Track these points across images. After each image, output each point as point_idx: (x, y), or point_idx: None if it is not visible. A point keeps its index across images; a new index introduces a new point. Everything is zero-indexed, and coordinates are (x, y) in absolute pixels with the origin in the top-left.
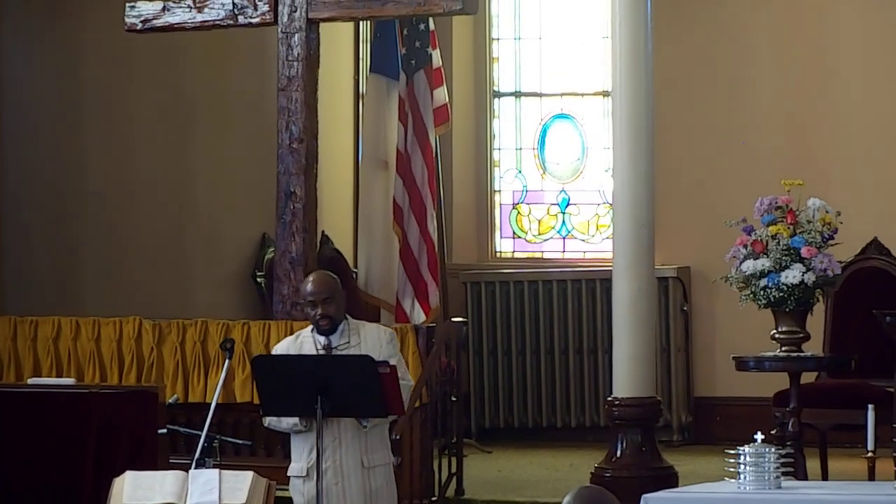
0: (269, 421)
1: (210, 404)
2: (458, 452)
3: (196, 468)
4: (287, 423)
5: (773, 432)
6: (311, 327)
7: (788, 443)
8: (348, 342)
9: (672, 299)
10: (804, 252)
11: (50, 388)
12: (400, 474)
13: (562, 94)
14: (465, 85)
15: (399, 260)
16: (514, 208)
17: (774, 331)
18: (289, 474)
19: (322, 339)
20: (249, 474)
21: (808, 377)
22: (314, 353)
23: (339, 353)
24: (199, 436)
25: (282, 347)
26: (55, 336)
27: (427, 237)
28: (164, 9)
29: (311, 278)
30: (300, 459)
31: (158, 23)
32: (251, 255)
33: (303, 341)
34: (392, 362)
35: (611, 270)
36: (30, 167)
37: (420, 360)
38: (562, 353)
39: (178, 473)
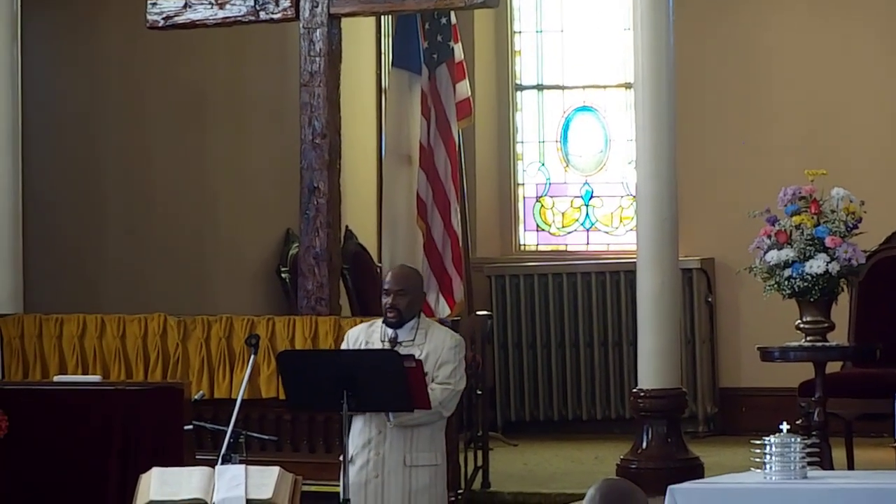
0: None
1: (236, 400)
2: (483, 446)
3: (222, 464)
4: None
5: (798, 422)
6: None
7: (814, 433)
8: (413, 340)
9: (696, 291)
10: (828, 242)
11: (76, 386)
12: None
13: (584, 87)
14: (488, 78)
15: (423, 254)
16: (537, 201)
17: (799, 321)
18: (340, 458)
19: (390, 331)
20: (276, 469)
21: (833, 367)
22: (379, 344)
23: (402, 348)
24: (225, 432)
25: (354, 333)
26: (80, 334)
27: (451, 231)
28: (185, 5)
29: (393, 269)
30: (352, 444)
31: (180, 19)
32: (275, 250)
33: (374, 330)
34: (448, 366)
35: (635, 262)
36: (52, 166)
37: None
38: (586, 345)
39: (205, 469)
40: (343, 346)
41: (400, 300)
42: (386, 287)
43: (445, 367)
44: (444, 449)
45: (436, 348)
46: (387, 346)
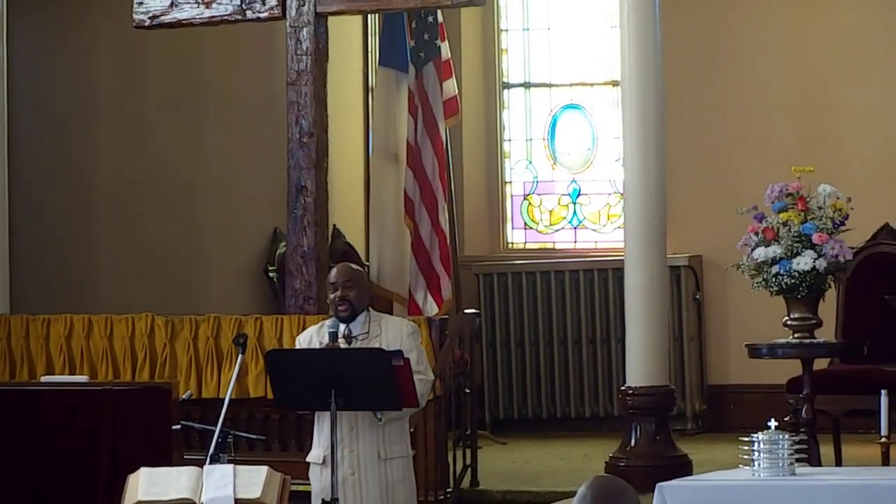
0: None
1: (224, 400)
2: (472, 444)
3: (210, 464)
4: None
5: (786, 419)
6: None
7: (802, 429)
8: (368, 332)
9: (684, 288)
10: (815, 238)
11: (63, 386)
12: (415, 466)
13: (571, 85)
14: (475, 76)
15: (411, 252)
16: (525, 199)
17: (787, 318)
18: (308, 459)
19: (343, 327)
20: (264, 469)
21: (820, 363)
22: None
23: (359, 342)
24: (213, 431)
25: (305, 336)
26: (68, 334)
27: (438, 229)
28: (172, 4)
29: (335, 266)
30: (319, 446)
31: (166, 19)
32: (263, 249)
33: (326, 331)
34: (412, 355)
35: (623, 260)
36: (41, 165)
37: (433, 352)
38: (575, 343)
39: (193, 469)
40: None
41: (349, 292)
42: (332, 281)
43: (410, 356)
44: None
45: (394, 338)
46: (342, 342)
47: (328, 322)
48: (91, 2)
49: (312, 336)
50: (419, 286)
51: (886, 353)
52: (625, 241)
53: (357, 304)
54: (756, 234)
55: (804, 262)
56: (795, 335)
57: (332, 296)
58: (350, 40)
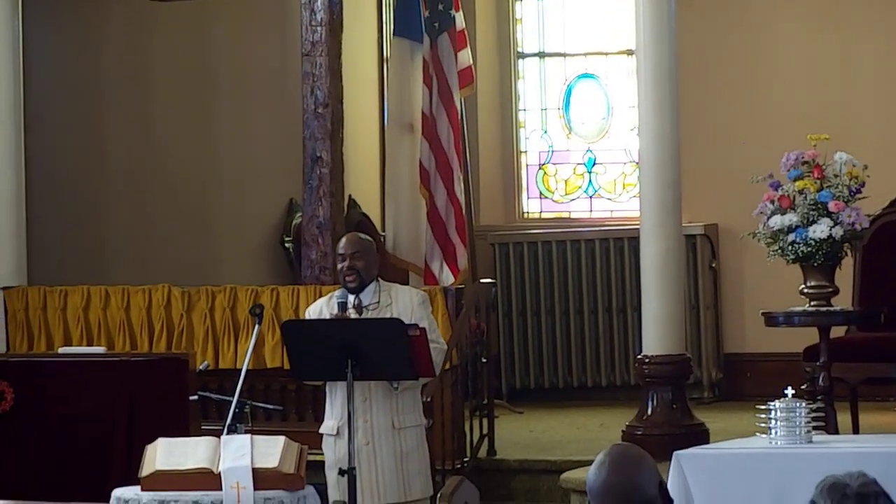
0: None
1: (240, 370)
2: (489, 413)
3: (228, 434)
4: None
5: (803, 387)
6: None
7: (819, 397)
8: (378, 302)
9: (700, 256)
10: (831, 206)
11: (80, 357)
12: (431, 436)
13: (586, 54)
14: (489, 46)
15: (427, 222)
16: (540, 168)
17: (803, 286)
18: (321, 431)
19: (353, 298)
20: (281, 439)
21: (837, 331)
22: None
23: (369, 312)
24: (231, 402)
25: (315, 308)
26: (85, 305)
27: (454, 199)
28: None
29: (345, 236)
30: (332, 417)
31: None
32: (279, 220)
33: (336, 301)
34: (423, 324)
35: (638, 228)
36: (55, 139)
37: (450, 322)
38: (591, 312)
39: (211, 439)
40: None
41: (357, 262)
42: (341, 252)
43: (422, 325)
44: (423, 409)
45: (405, 307)
46: (352, 312)
47: (337, 293)
48: None
49: (322, 307)
50: (435, 256)
51: None
52: (640, 210)
53: (365, 274)
54: (772, 202)
55: (820, 230)
56: (812, 303)
57: (340, 266)
58: (364, 11)
